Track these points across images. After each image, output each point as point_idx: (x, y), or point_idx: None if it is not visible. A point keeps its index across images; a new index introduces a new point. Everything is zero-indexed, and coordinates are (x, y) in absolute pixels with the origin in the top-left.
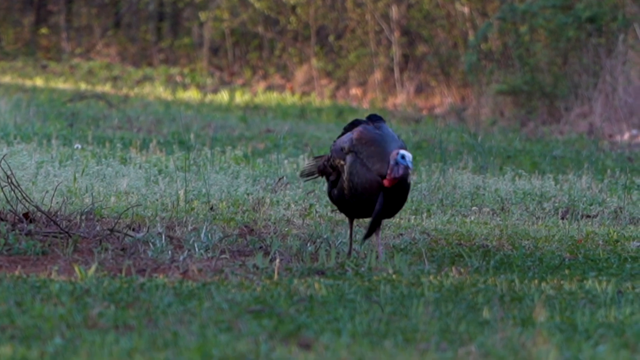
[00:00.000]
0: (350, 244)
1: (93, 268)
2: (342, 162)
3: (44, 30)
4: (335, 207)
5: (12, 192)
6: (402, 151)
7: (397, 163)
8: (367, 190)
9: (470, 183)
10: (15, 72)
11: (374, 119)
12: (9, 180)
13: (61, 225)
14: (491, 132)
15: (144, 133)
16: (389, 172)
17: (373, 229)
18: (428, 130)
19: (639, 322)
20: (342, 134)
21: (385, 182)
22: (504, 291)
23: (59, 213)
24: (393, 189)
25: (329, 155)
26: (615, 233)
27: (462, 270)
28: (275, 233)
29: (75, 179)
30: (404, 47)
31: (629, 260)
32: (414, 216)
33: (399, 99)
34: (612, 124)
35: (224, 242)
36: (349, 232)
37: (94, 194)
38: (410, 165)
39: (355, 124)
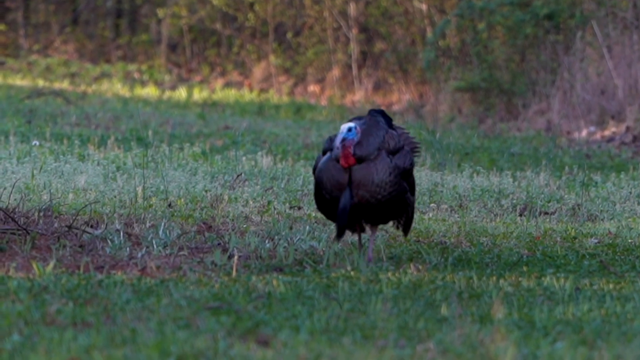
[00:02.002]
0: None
1: (51, 265)
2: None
3: (1, 27)
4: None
5: None
6: (346, 124)
7: (342, 138)
8: (330, 178)
9: (428, 180)
10: None
11: (372, 113)
12: None
13: (19, 222)
14: (449, 129)
15: (102, 130)
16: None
17: (341, 227)
18: None
19: (597, 319)
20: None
21: (342, 162)
22: (462, 288)
23: (16, 210)
24: (359, 181)
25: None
26: (573, 230)
27: (420, 267)
28: (233, 230)
29: (33, 175)
30: (362, 44)
31: (587, 257)
32: None
33: (357, 96)
34: (569, 121)
35: (182, 239)
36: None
37: (52, 190)
38: (343, 134)
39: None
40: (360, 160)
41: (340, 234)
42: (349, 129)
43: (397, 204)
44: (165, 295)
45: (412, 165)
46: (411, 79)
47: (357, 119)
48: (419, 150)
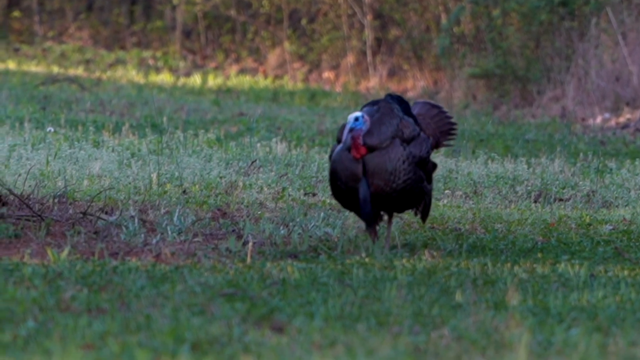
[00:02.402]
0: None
1: (66, 251)
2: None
3: (16, 14)
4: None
5: None
6: (353, 114)
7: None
8: (344, 169)
9: (443, 166)
10: None
11: (388, 99)
12: None
13: (34, 209)
14: (464, 116)
15: (116, 116)
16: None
17: (367, 216)
18: None
19: (612, 305)
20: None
21: (353, 153)
22: (477, 274)
23: (31, 196)
24: (373, 170)
25: None
26: (587, 216)
27: (435, 253)
28: (248, 216)
29: (47, 162)
30: (376, 31)
31: (602, 243)
32: None
33: (372, 83)
34: (584, 108)
35: (196, 225)
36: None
37: (66, 177)
38: (350, 124)
39: (373, 103)
40: (371, 149)
41: (369, 223)
42: (356, 119)
43: (413, 192)
44: (180, 281)
45: (428, 153)
46: (426, 65)
47: (372, 104)
48: (455, 131)
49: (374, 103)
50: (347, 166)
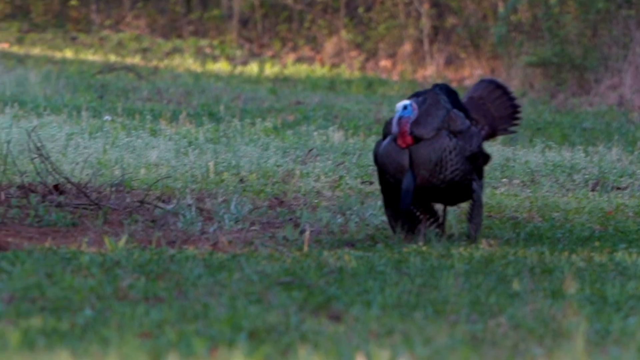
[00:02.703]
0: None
1: (123, 240)
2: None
3: (73, 2)
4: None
5: (43, 164)
6: (401, 102)
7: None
8: (392, 161)
9: (500, 155)
10: (45, 44)
11: (436, 90)
12: (39, 152)
13: (91, 197)
14: (521, 104)
15: (173, 105)
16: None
17: (405, 210)
18: None
19: None
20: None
21: (399, 142)
22: (534, 263)
23: (89, 185)
24: (418, 158)
25: None
26: None
27: (492, 242)
28: (305, 205)
29: (105, 150)
30: (433, 19)
31: None
32: None
33: (429, 71)
34: None
35: (253, 213)
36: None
37: (123, 165)
38: (399, 113)
39: (419, 94)
40: (417, 139)
41: (407, 219)
42: (404, 107)
43: (462, 185)
44: (237, 270)
45: (479, 147)
46: (482, 54)
47: (417, 95)
48: (517, 117)
49: (420, 94)
50: (394, 158)
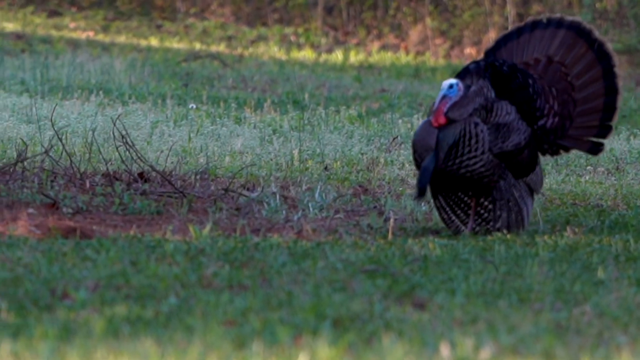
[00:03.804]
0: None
1: (207, 228)
2: None
3: None
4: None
5: (127, 152)
6: (447, 81)
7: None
8: (420, 139)
9: None
10: (130, 32)
11: (483, 73)
12: (124, 140)
13: (176, 185)
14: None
15: (258, 93)
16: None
17: (421, 188)
18: None
19: None
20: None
21: (433, 122)
22: (619, 251)
23: (173, 173)
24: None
25: None
26: None
27: (576, 230)
28: (389, 193)
29: (189, 138)
30: (518, 6)
31: None
32: None
33: None
34: None
35: (338, 201)
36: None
37: (208, 153)
38: (444, 92)
39: (464, 75)
40: (450, 121)
41: (420, 195)
42: (450, 86)
43: (481, 184)
44: (321, 258)
45: (517, 148)
46: None
47: (463, 74)
48: (613, 108)
49: (464, 74)
50: (424, 137)
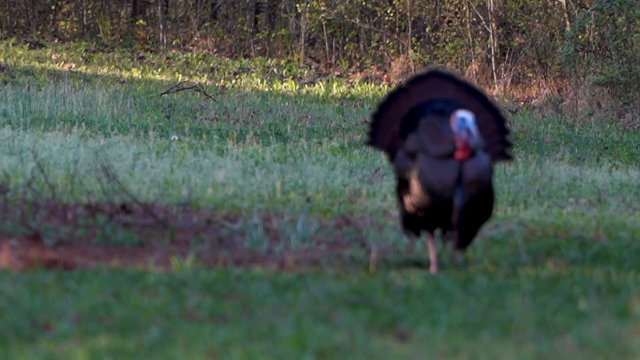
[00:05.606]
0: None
1: (190, 259)
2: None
3: (141, 22)
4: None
5: (110, 184)
6: (460, 113)
7: (460, 128)
8: (443, 181)
9: (567, 174)
10: (112, 63)
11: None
12: (106, 172)
13: (158, 217)
14: (588, 124)
15: (240, 124)
16: (457, 139)
17: (464, 231)
18: (525, 121)
19: None
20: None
21: (459, 155)
22: (601, 282)
23: (156, 204)
24: (472, 175)
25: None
26: None
27: (558, 261)
28: (371, 224)
29: (172, 170)
30: (500, 38)
31: None
32: (510, 207)
33: (496, 90)
34: None
35: (320, 233)
36: (431, 246)
37: (190, 185)
38: (470, 127)
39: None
40: (472, 153)
41: (466, 244)
42: (463, 119)
43: (488, 205)
44: (304, 289)
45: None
46: (550, 73)
47: (417, 79)
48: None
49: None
50: (444, 173)
